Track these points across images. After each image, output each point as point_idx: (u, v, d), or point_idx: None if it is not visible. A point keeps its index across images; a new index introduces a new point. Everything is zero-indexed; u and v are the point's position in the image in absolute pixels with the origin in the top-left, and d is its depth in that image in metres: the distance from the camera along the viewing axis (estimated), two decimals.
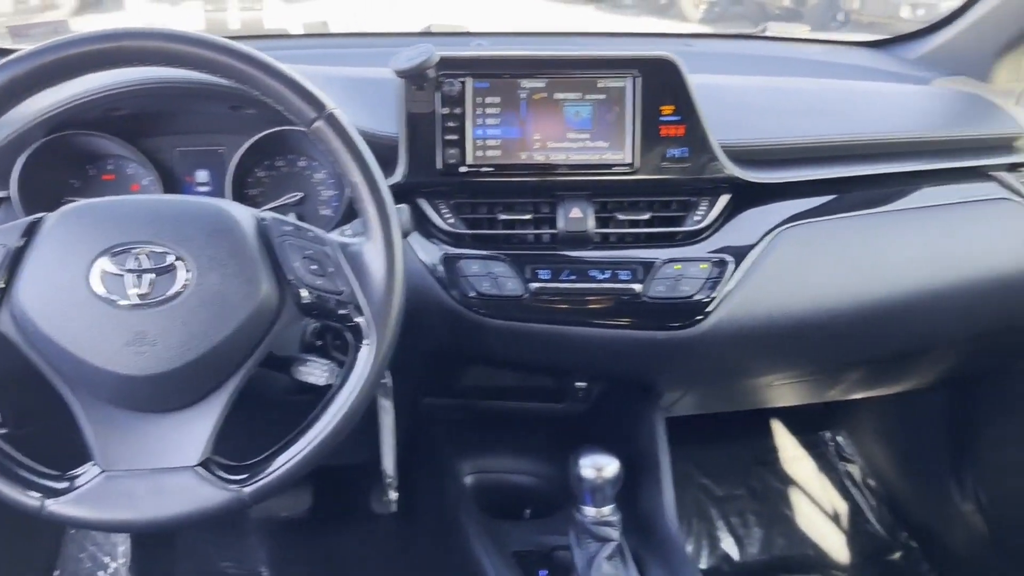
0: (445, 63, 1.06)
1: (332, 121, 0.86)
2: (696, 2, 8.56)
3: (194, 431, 0.84)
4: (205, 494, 0.83)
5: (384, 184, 0.87)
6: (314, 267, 0.85)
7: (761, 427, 1.97)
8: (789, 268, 1.13)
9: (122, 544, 1.68)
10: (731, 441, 1.95)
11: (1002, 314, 1.30)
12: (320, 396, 0.87)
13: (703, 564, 1.79)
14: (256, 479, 0.84)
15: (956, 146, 1.30)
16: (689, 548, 1.81)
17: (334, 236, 0.88)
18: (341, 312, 0.86)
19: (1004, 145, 1.32)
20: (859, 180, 1.22)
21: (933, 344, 1.38)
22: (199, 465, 0.83)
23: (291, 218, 1.13)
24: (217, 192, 1.15)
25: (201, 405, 0.84)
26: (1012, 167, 1.30)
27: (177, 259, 0.82)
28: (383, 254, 0.85)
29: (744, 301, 1.11)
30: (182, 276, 0.81)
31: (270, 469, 0.84)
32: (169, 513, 0.83)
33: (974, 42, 1.51)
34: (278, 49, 1.61)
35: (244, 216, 0.85)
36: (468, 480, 1.36)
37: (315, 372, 0.92)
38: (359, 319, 0.85)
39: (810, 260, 1.15)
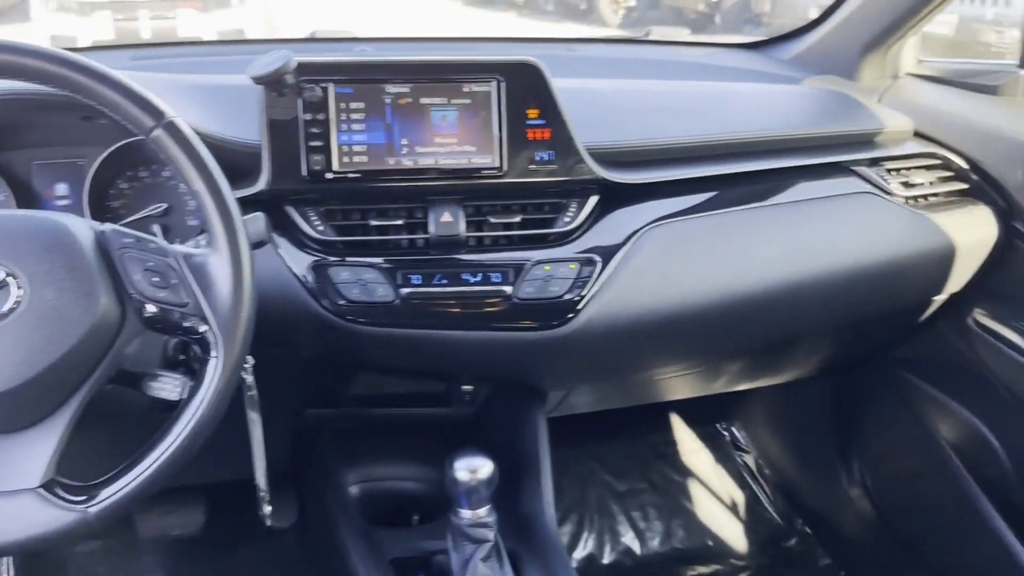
0: (304, 68, 1.05)
1: (171, 129, 0.84)
2: (614, 7, 8.74)
3: (36, 451, 0.81)
4: (48, 517, 0.80)
5: (229, 192, 0.86)
6: (156, 279, 0.83)
7: (659, 421, 2.00)
8: (656, 266, 1.15)
9: (5, 572, 1.61)
10: (631, 437, 1.98)
11: (868, 303, 1.35)
12: None
13: (605, 560, 1.81)
14: (102, 499, 0.81)
15: (821, 143, 1.34)
16: (591, 544, 1.83)
17: (178, 247, 0.86)
18: (186, 325, 0.84)
19: (866, 141, 1.37)
20: (728, 178, 1.25)
21: (803, 334, 1.43)
22: (41, 487, 0.80)
23: (155, 230, 1.13)
24: (76, 206, 1.12)
25: (43, 424, 0.81)
26: (873, 162, 1.35)
27: (8, 275, 0.79)
28: (229, 265, 0.84)
29: (613, 299, 1.13)
30: (14, 293, 0.79)
31: (116, 488, 0.82)
32: (9, 538, 0.80)
33: (841, 41, 1.57)
34: (180, 56, 1.58)
35: (81, 229, 0.83)
36: (355, 490, 1.35)
37: (167, 387, 0.90)
38: (205, 331, 0.84)
39: (677, 257, 1.17)
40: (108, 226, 0.86)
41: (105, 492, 0.81)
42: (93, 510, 0.81)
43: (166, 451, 0.82)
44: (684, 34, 1.77)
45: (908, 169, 1.37)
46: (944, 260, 1.35)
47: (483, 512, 1.10)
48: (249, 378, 1.01)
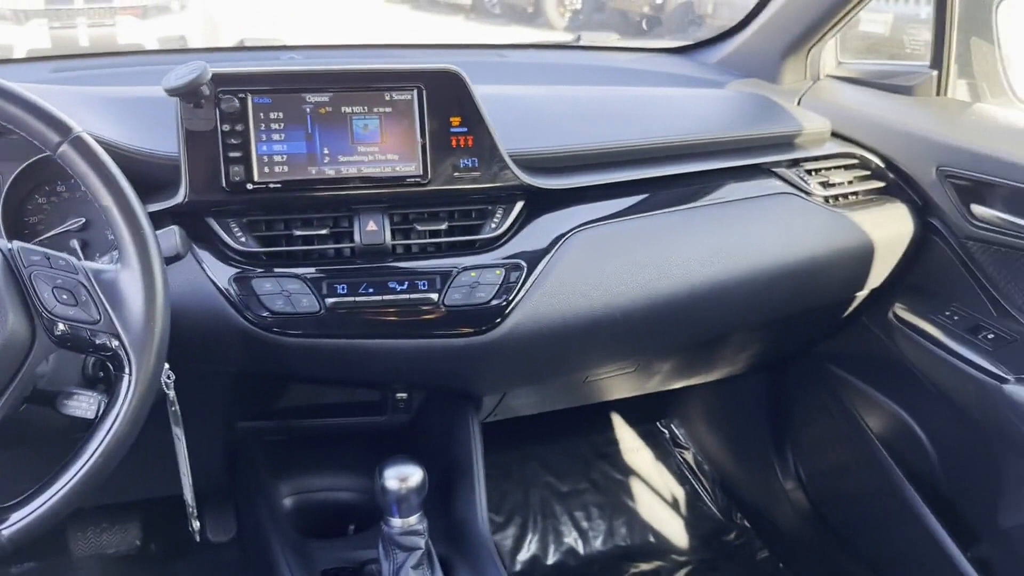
0: (220, 79, 1.04)
1: (78, 144, 0.83)
2: (561, 11, 8.80)
3: None
4: None
5: (139, 207, 0.85)
6: (65, 297, 0.82)
7: (599, 421, 2.03)
8: (581, 269, 1.17)
9: None
10: (572, 437, 2.00)
11: (792, 301, 1.38)
12: None
13: (550, 561, 1.83)
14: (13, 522, 0.80)
15: (742, 145, 1.37)
16: (535, 546, 1.84)
17: (88, 263, 0.85)
18: (98, 342, 0.83)
19: (785, 142, 1.41)
20: (652, 182, 1.27)
21: (729, 332, 1.46)
22: None
23: (74, 245, 1.11)
24: None
25: None
26: (793, 163, 1.39)
27: None
28: (140, 280, 0.83)
29: (539, 303, 1.14)
30: None
31: (28, 510, 0.81)
32: None
33: (763, 45, 1.61)
34: (105, 68, 1.55)
35: None
36: (289, 502, 1.35)
37: (82, 405, 0.88)
38: (117, 347, 0.83)
39: (602, 261, 1.18)
40: (16, 244, 0.85)
41: (17, 515, 0.80)
42: (5, 533, 0.80)
43: (80, 471, 0.81)
44: (614, 39, 1.80)
45: (827, 169, 1.41)
46: (863, 257, 1.39)
47: (414, 520, 1.10)
48: (171, 393, 1.00)
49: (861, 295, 1.47)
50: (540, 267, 1.15)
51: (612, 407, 2.03)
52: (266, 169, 1.09)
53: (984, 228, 1.33)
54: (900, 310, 1.45)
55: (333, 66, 1.11)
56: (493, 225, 1.17)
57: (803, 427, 1.75)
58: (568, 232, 1.18)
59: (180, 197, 1.06)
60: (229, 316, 1.07)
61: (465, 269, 1.13)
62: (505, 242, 1.17)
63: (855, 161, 1.43)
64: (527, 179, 1.16)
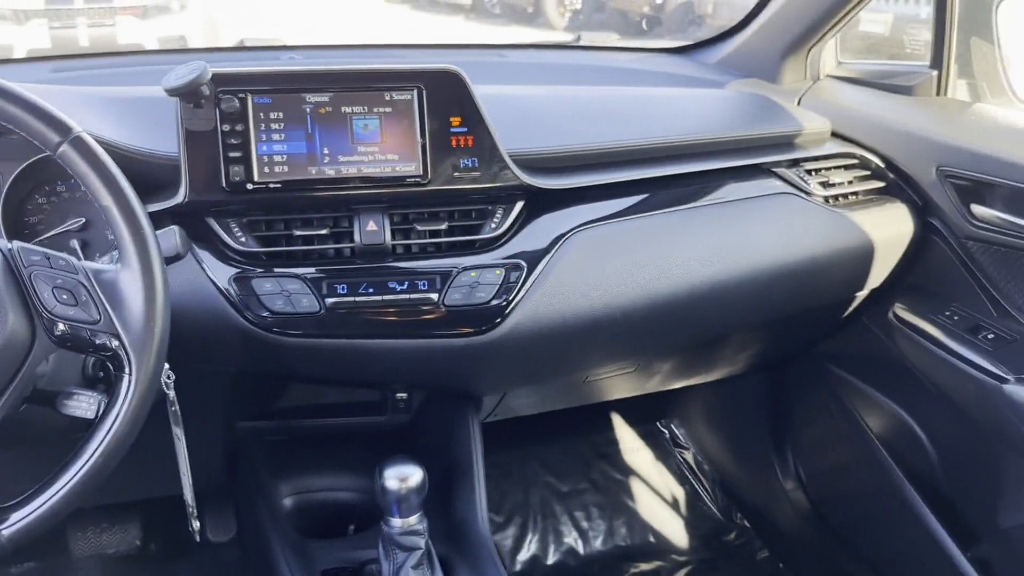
0: (220, 79, 1.04)
1: (78, 145, 0.83)
2: (561, 11, 8.81)
3: None
4: None
5: (139, 207, 0.85)
6: (65, 297, 0.82)
7: (599, 421, 2.03)
8: (581, 269, 1.17)
9: None
10: (572, 437, 2.00)
11: (792, 301, 1.38)
12: None
13: (550, 561, 1.83)
14: (13, 522, 0.80)
15: (742, 145, 1.37)
16: (535, 546, 1.85)
17: (88, 263, 0.85)
18: (98, 342, 0.83)
19: (786, 142, 1.41)
20: (652, 182, 1.27)
21: (729, 332, 1.46)
22: None
23: (74, 245, 1.11)
24: None
25: None
26: (793, 163, 1.39)
27: None
28: (140, 280, 0.83)
29: (539, 304, 1.14)
30: None
31: (28, 510, 0.81)
32: None
33: (763, 45, 1.61)
34: (106, 68, 1.55)
35: None
36: (289, 502, 1.35)
37: (82, 405, 0.88)
38: (117, 347, 0.83)
39: (602, 261, 1.18)
40: (16, 244, 0.85)
41: (17, 515, 0.80)
42: (5, 533, 0.80)
43: (80, 471, 0.81)
44: (614, 39, 1.80)
45: (827, 169, 1.41)
46: (863, 257, 1.39)
47: (414, 520, 1.10)
48: (171, 393, 1.00)
49: (861, 295, 1.47)
50: (540, 267, 1.15)
51: (612, 407, 2.04)
52: (266, 169, 1.09)
53: (984, 228, 1.33)
54: (900, 310, 1.45)
55: (333, 66, 1.11)
56: (493, 225, 1.17)
57: (803, 427, 1.75)
58: (568, 232, 1.18)
59: (180, 197, 1.06)
60: (229, 316, 1.07)
61: (465, 269, 1.13)
62: (505, 242, 1.17)
63: (855, 161, 1.43)
64: (527, 179, 1.16)
